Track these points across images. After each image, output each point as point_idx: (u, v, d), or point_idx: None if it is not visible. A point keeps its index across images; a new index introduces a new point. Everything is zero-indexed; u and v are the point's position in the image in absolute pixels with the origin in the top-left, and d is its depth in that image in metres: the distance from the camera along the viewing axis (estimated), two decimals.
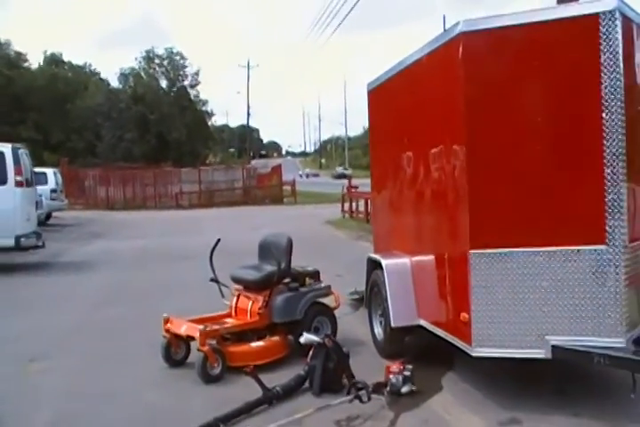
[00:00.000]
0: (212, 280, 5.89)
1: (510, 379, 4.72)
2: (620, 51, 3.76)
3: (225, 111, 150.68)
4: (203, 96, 56.96)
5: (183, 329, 5.28)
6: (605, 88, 3.77)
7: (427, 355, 5.32)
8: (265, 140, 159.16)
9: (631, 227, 3.92)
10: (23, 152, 11.88)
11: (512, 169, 4.06)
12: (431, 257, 4.86)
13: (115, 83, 56.77)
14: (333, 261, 10.10)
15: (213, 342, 5.08)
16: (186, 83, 55.78)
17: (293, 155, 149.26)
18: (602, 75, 3.77)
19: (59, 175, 22.23)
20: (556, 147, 3.97)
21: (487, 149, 4.08)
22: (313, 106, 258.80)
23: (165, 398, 4.70)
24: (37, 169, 21.49)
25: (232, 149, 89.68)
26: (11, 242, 11.05)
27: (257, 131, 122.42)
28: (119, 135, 50.58)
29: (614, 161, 3.79)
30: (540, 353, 4.02)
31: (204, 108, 58.10)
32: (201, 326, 5.11)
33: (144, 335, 6.05)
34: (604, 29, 3.75)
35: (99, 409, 4.55)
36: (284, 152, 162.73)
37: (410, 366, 4.68)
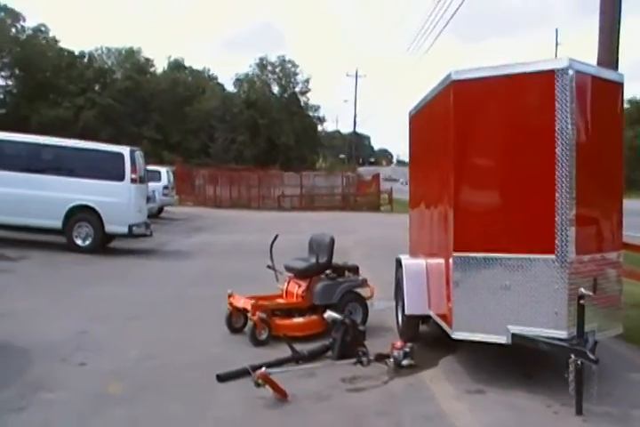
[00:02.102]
0: (268, 267, 7.35)
1: (493, 363, 5.78)
2: (571, 99, 4.81)
3: (335, 118, 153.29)
4: (313, 102, 59.25)
5: (241, 303, 6.76)
6: (559, 128, 4.84)
7: (437, 340, 6.44)
8: (376, 148, 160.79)
9: (579, 242, 4.93)
10: (138, 154, 13.96)
11: (486, 190, 5.21)
12: (436, 259, 6.03)
13: (230, 87, 60.15)
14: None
15: (263, 314, 6.48)
16: (296, 89, 58.24)
17: (404, 163, 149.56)
18: (556, 117, 4.84)
19: (171, 173, 24.68)
20: (520, 174, 5.05)
21: (468, 175, 5.24)
22: None
23: (222, 352, 6.16)
24: (152, 167, 24.08)
25: (342, 156, 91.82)
26: (125, 230, 13.12)
27: (367, 138, 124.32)
28: (231, 138, 53.73)
29: (563, 187, 4.85)
30: (502, 339, 5.08)
31: (315, 114, 60.34)
32: (252, 301, 6.58)
33: (217, 309, 7.48)
34: (559, 82, 4.83)
35: (172, 353, 6.12)
36: (394, 160, 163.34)
37: (410, 344, 5.90)
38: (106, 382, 5.19)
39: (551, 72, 4.88)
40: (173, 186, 25.04)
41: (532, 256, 4.99)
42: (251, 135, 53.85)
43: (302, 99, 59.01)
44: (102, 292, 9.03)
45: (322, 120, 62.69)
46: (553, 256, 4.91)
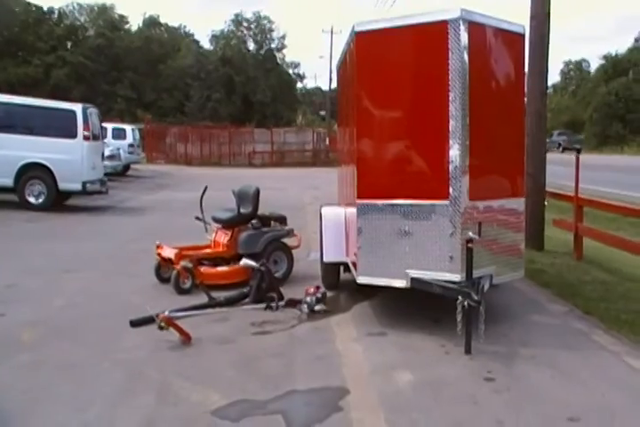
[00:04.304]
0: (197, 218, 7.49)
1: (403, 308, 6.01)
2: (463, 49, 4.89)
3: (314, 75, 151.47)
4: (291, 59, 58.65)
5: (167, 253, 6.91)
6: (452, 78, 4.93)
7: (359, 289, 6.59)
8: None
9: (472, 189, 5.08)
10: (92, 111, 13.86)
11: (386, 140, 5.33)
12: (351, 208, 6.18)
13: (207, 44, 59.19)
14: None
15: (186, 263, 6.63)
16: (272, 46, 57.46)
17: None
18: (450, 67, 4.92)
19: (137, 131, 24.55)
20: (417, 124, 5.16)
21: (369, 125, 5.35)
22: None
23: (143, 300, 6.30)
24: (117, 125, 23.94)
25: (323, 113, 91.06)
26: (78, 187, 13.18)
27: None
28: (207, 96, 53.20)
29: (456, 137, 4.97)
30: (402, 283, 5.26)
31: (295, 71, 59.68)
32: (176, 251, 6.73)
33: (153, 262, 7.66)
34: (451, 33, 4.91)
35: (95, 303, 6.30)
36: None
37: (323, 290, 6.12)
38: (20, 332, 5.35)
39: (444, 23, 4.93)
40: (139, 144, 24.92)
41: (427, 202, 5.14)
42: (226, 93, 53.30)
43: (278, 55, 58.35)
44: (44, 247, 9.14)
45: (301, 77, 62.27)
46: (447, 202, 5.07)
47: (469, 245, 4.85)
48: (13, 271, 7.55)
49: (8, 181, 12.74)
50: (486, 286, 5.09)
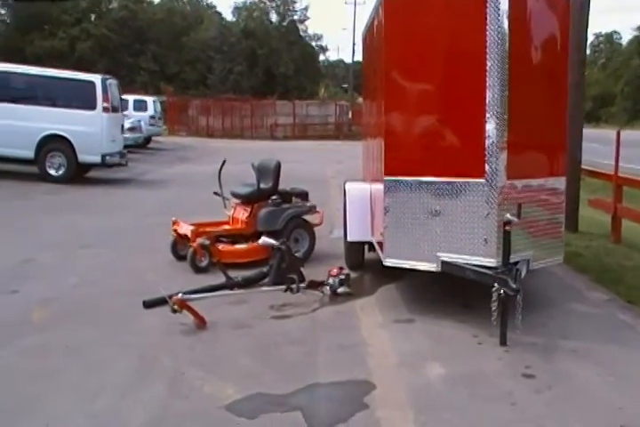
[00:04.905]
0: (215, 194, 7.18)
1: (432, 293, 5.67)
2: (504, 14, 4.44)
3: (337, 47, 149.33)
4: (314, 31, 57.78)
5: (184, 230, 6.63)
6: (490, 45, 4.48)
7: (383, 270, 6.24)
8: None
9: (510, 167, 4.67)
10: (112, 82, 13.55)
11: (417, 112, 4.93)
12: (377, 185, 5.82)
13: (230, 16, 58.43)
14: None
15: (203, 240, 6.34)
16: (295, 18, 56.47)
17: None
18: (488, 34, 4.48)
19: (158, 104, 24.25)
20: (451, 96, 4.75)
21: (398, 97, 4.95)
22: None
23: (158, 279, 6.04)
24: (138, 97, 23.64)
25: (345, 85, 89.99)
26: (97, 159, 12.97)
27: None
28: (229, 68, 52.63)
29: (494, 110, 4.55)
30: (432, 267, 4.91)
31: (318, 43, 58.76)
32: (193, 228, 6.44)
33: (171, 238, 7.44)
34: None
35: (110, 281, 6.07)
36: None
37: (346, 272, 5.79)
38: (32, 311, 5.13)
39: None
40: (161, 116, 24.64)
41: (461, 180, 4.76)
42: (249, 65, 52.62)
43: (301, 27, 57.29)
44: (62, 221, 8.94)
45: (324, 49, 61.36)
46: (482, 181, 4.68)
47: (507, 228, 4.48)
48: (30, 246, 7.35)
49: (29, 153, 12.57)
50: (523, 273, 4.73)
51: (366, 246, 6.37)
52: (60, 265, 6.62)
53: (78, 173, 13.29)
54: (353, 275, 6.03)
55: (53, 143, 12.64)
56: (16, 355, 4.21)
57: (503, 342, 4.44)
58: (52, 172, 12.83)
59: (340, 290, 5.65)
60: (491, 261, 4.67)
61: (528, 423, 3.32)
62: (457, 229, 4.82)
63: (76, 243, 7.57)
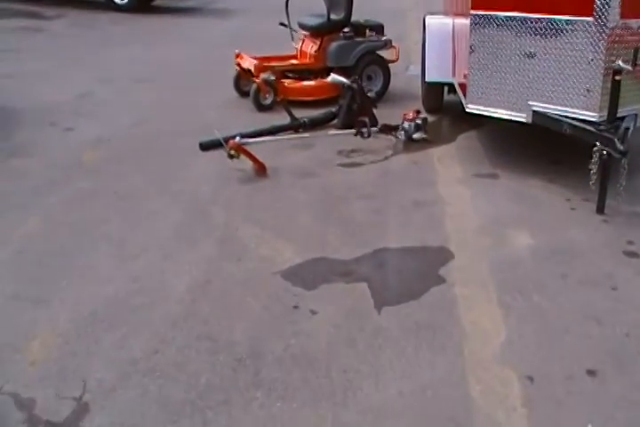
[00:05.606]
0: (281, 24, 6.36)
1: (518, 145, 4.93)
2: None
3: None
4: None
5: (247, 64, 5.97)
6: None
7: (464, 116, 5.50)
8: None
9: (626, 2, 3.68)
10: None
11: None
12: (462, 20, 4.88)
13: None
14: None
15: (268, 76, 5.69)
16: None
17: None
18: None
19: None
20: None
21: None
22: None
23: (219, 118, 5.56)
24: None
25: None
26: None
27: None
28: None
29: None
30: (522, 117, 4.17)
31: None
32: (256, 62, 5.76)
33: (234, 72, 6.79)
34: None
35: (167, 119, 5.63)
36: None
37: (423, 116, 5.11)
38: (83, 151, 4.80)
39: None
40: None
41: (563, 18, 3.82)
42: None
43: None
44: (122, 53, 8.33)
45: None
46: (590, 19, 3.73)
47: (617, 77, 3.63)
48: (87, 79, 6.90)
49: None
50: (631, 130, 3.92)
51: (446, 88, 5.63)
52: (117, 101, 6.20)
53: (145, 1, 12.37)
54: (430, 119, 5.33)
55: None
56: (63, 202, 3.91)
57: (601, 210, 3.80)
58: (118, 0, 11.96)
59: (416, 136, 5.02)
60: (593, 115, 3.89)
61: (634, 313, 2.77)
62: (554, 75, 3.98)
63: (133, 76, 7.06)
